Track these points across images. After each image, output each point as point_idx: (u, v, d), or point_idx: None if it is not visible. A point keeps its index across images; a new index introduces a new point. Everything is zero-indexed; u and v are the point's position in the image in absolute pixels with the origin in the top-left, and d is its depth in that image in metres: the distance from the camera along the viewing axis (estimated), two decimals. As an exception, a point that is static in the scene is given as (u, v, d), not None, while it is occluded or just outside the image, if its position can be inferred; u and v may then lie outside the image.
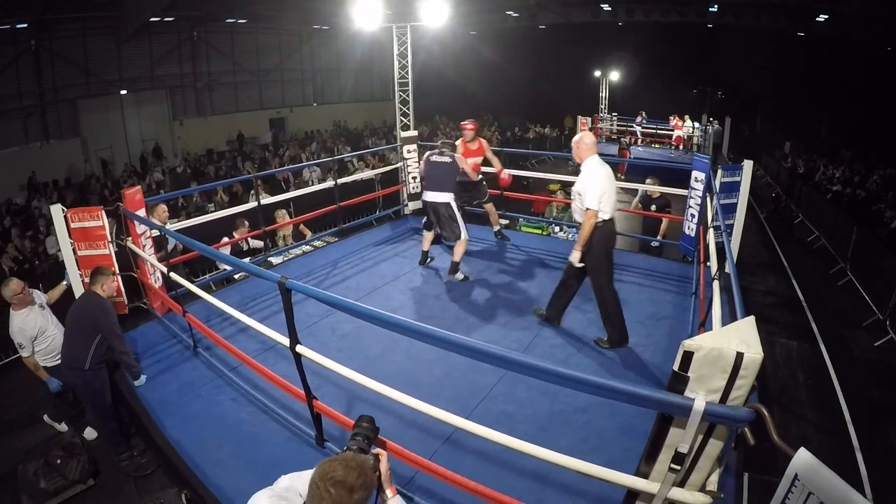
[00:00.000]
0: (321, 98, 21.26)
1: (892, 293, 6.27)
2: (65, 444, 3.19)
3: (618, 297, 3.64)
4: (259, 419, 3.00)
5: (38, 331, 3.41)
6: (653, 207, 6.16)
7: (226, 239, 5.47)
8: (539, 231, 6.86)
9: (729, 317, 2.95)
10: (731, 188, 4.73)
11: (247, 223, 5.66)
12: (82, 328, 3.12)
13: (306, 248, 5.98)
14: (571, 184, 8.92)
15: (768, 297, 7.34)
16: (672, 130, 17.53)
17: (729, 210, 4.64)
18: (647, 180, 5.97)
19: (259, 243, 5.77)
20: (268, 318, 3.91)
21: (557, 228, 6.71)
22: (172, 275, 3.68)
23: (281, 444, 2.79)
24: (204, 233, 5.08)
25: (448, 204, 4.77)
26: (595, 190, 3.41)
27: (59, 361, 3.40)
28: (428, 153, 4.94)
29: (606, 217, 3.49)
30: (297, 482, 1.46)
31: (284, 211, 6.61)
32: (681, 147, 17.11)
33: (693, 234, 4.92)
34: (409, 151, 6.47)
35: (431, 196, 4.83)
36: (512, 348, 3.41)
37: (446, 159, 4.80)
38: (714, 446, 1.47)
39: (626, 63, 20.26)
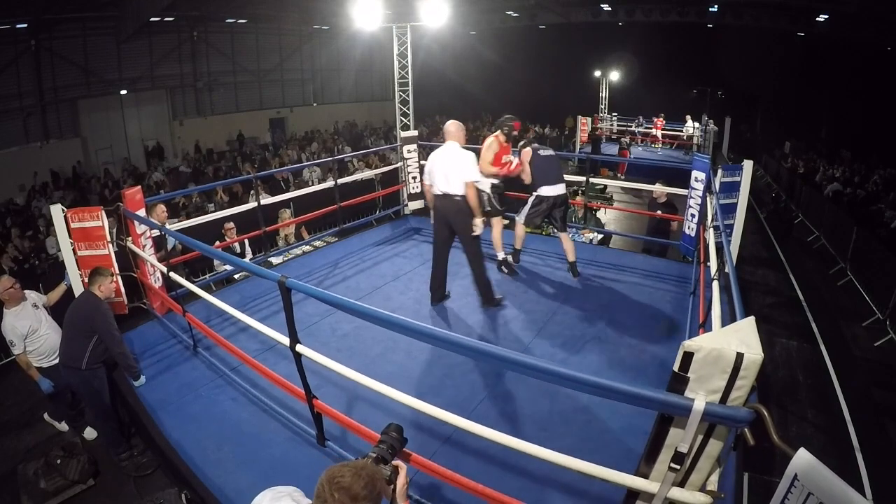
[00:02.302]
0: (321, 98, 21.23)
1: (892, 293, 6.27)
2: (65, 444, 3.19)
3: (438, 261, 4.30)
4: (259, 419, 3.00)
5: (29, 330, 3.40)
6: (658, 212, 6.14)
7: (217, 243, 5.47)
8: (539, 231, 6.85)
9: (729, 317, 2.95)
10: (731, 188, 4.73)
11: (233, 225, 5.67)
12: (79, 329, 3.12)
13: (306, 248, 5.99)
14: (571, 184, 8.94)
15: (768, 297, 7.34)
16: (652, 129, 17.84)
17: (729, 210, 4.64)
18: (658, 183, 5.96)
19: (248, 253, 5.80)
20: (268, 318, 3.91)
21: (557, 228, 6.71)
22: (172, 275, 3.68)
23: (281, 443, 2.79)
24: (204, 233, 5.09)
25: (566, 194, 4.93)
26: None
27: (54, 362, 3.40)
28: (532, 148, 4.88)
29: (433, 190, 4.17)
30: (299, 496, 1.44)
31: (289, 211, 6.62)
32: (659, 145, 17.56)
33: (693, 233, 4.92)
34: (409, 151, 6.47)
35: (559, 188, 4.80)
36: (512, 348, 3.42)
37: (552, 152, 4.99)
38: (714, 446, 1.47)
39: (626, 63, 20.25)
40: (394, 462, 1.54)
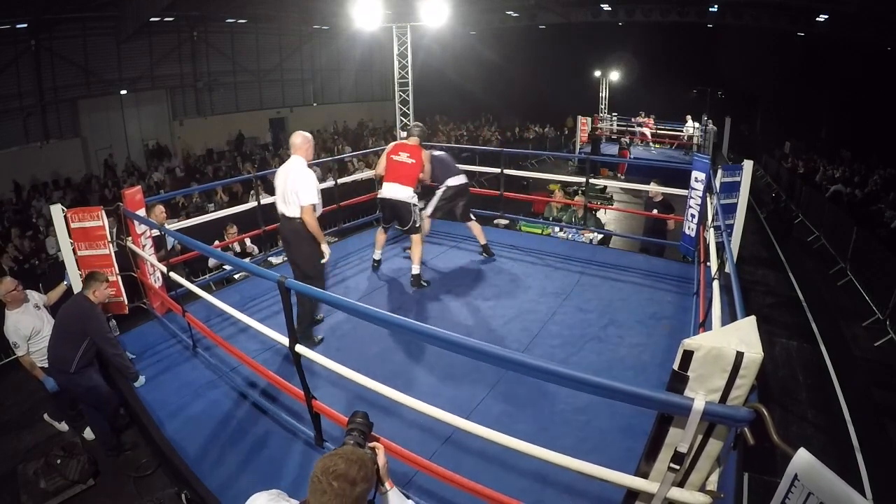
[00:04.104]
0: (321, 98, 21.23)
1: (892, 293, 6.26)
2: (65, 444, 3.19)
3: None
4: (258, 419, 3.00)
5: (32, 331, 3.40)
6: (654, 211, 6.14)
7: (217, 242, 5.47)
8: (539, 231, 6.86)
9: (729, 316, 2.95)
10: (732, 188, 4.73)
11: (236, 229, 5.67)
12: (71, 333, 3.11)
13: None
14: (571, 184, 8.92)
15: (768, 297, 7.34)
16: (641, 128, 17.94)
17: (729, 210, 4.64)
18: (653, 182, 5.97)
19: (254, 248, 5.77)
20: (267, 318, 3.91)
21: (557, 228, 6.71)
22: (172, 275, 3.68)
23: (280, 444, 2.79)
24: (204, 233, 5.09)
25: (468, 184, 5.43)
26: None
27: None
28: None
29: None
30: (285, 497, 1.45)
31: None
32: (650, 143, 17.74)
33: (693, 234, 4.92)
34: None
35: (462, 178, 5.28)
36: (512, 348, 3.41)
37: (442, 151, 5.38)
38: (714, 446, 1.47)
39: (626, 63, 20.26)
40: (369, 445, 1.58)
